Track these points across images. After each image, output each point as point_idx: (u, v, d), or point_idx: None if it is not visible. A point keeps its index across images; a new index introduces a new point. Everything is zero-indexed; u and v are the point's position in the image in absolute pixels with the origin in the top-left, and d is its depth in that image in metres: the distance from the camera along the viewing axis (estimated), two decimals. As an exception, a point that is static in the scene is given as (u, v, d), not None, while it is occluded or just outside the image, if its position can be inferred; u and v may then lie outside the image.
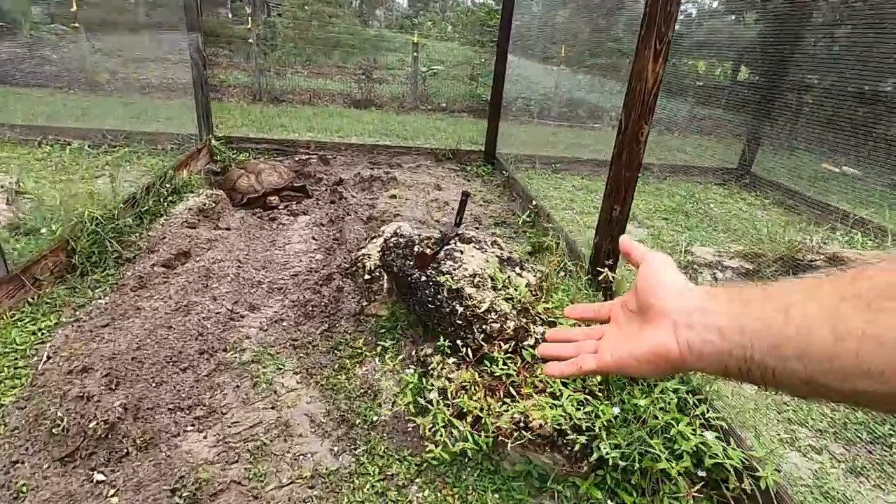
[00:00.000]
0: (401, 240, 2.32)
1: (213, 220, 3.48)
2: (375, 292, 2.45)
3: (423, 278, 2.05)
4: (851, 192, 4.74)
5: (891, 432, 2.04)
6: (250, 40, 10.05)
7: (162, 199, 3.54)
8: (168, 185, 3.67)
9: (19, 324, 2.20)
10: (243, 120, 7.28)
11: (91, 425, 1.62)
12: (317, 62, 14.23)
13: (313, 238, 3.26)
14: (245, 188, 4.06)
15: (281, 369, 2.11)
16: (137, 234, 3.03)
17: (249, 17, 11.23)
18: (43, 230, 2.60)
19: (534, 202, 3.85)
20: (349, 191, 4.23)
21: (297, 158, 5.08)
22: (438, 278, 1.99)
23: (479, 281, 1.98)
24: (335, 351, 2.23)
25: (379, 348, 2.24)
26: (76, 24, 8.99)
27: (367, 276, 2.48)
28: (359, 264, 2.57)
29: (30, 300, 2.33)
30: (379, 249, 2.60)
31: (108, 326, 2.22)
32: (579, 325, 0.71)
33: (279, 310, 2.46)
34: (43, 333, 2.16)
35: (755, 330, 0.43)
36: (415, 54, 10.10)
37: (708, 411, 1.67)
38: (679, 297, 0.51)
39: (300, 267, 2.88)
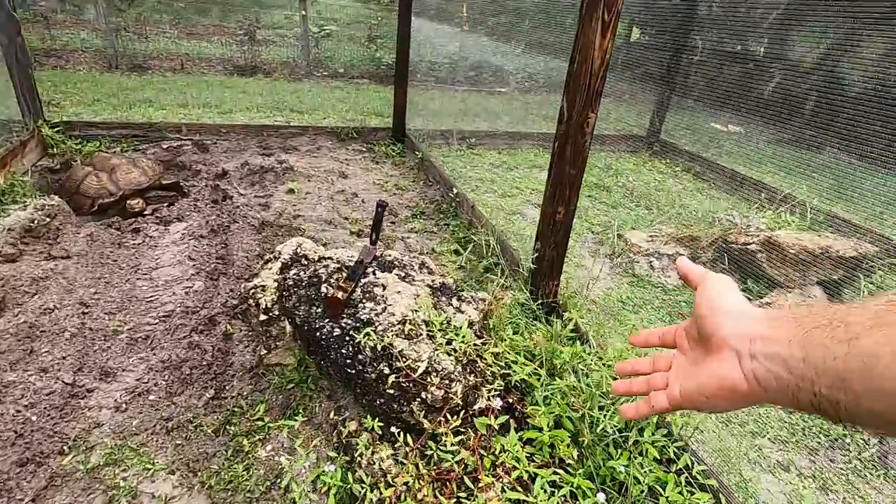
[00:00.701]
0: (301, 273, 1.79)
1: (47, 243, 2.64)
2: (276, 337, 1.92)
3: (337, 331, 1.56)
4: (739, 150, 4.95)
5: (844, 433, 1.97)
6: (98, -6, 8.28)
7: None
8: (-26, 198, 2.74)
9: None
10: (95, 94, 5.97)
11: None
12: (188, 20, 12.35)
13: (189, 258, 2.58)
14: (95, 191, 3.19)
15: (149, 469, 1.54)
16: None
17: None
18: None
19: (454, 190, 3.44)
20: (235, 186, 3.51)
21: (165, 146, 4.17)
22: (358, 333, 1.51)
23: (411, 329, 1.54)
24: (227, 428, 1.69)
25: (288, 414, 1.74)
26: None
27: (262, 317, 1.93)
28: (251, 301, 2.00)
29: None
30: (276, 279, 2.05)
31: None
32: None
33: (143, 375, 1.84)
34: None
35: (818, 361, 0.40)
36: (303, 12, 8.98)
37: (692, 464, 1.42)
38: (739, 323, 0.49)
39: (172, 304, 2.23)
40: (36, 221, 2.77)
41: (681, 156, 5.32)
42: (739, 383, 0.47)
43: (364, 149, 4.66)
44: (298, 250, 2.17)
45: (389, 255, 1.94)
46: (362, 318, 1.57)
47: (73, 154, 3.81)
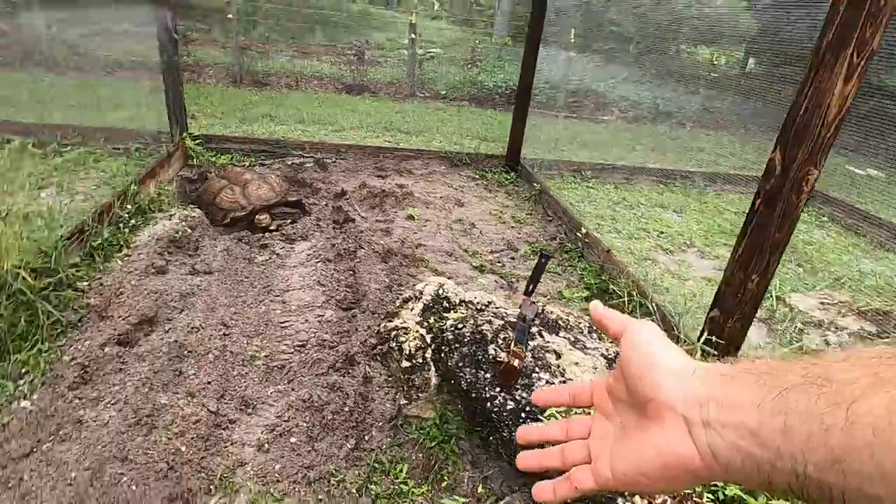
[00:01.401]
0: (462, 328, 1.64)
1: (189, 255, 2.73)
2: (418, 387, 1.77)
3: (511, 405, 1.38)
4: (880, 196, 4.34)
5: None
6: (229, 15, 9.02)
7: (122, 226, 2.78)
8: (129, 206, 2.90)
9: None
10: (223, 108, 6.41)
11: None
12: (302, 40, 13.19)
13: (319, 283, 2.55)
14: (229, 205, 3.30)
15: (292, 527, 1.43)
16: (86, 283, 2.27)
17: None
18: (-59, 296, 1.84)
19: (583, 230, 3.19)
20: (356, 208, 3.51)
21: (289, 162, 4.30)
22: (539, 411, 1.32)
23: (597, 412, 1.32)
24: (369, 487, 1.55)
25: (430, 478, 1.58)
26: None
27: (405, 363, 1.80)
28: (392, 343, 1.88)
29: (-84, 408, 1.59)
30: (418, 319, 1.92)
31: (31, 455, 1.50)
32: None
33: (283, 412, 1.77)
34: (-72, 474, 1.44)
35: (804, 434, 0.31)
36: (412, 36, 9.22)
37: None
38: (683, 382, 0.40)
39: (306, 333, 2.17)
40: (180, 233, 2.88)
41: (829, 204, 4.70)
42: (691, 460, 0.38)
43: (476, 175, 4.55)
44: (440, 291, 2.03)
45: (552, 314, 1.74)
46: (539, 389, 1.38)
47: (209, 166, 4.02)
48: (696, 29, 6.36)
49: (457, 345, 1.61)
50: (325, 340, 2.10)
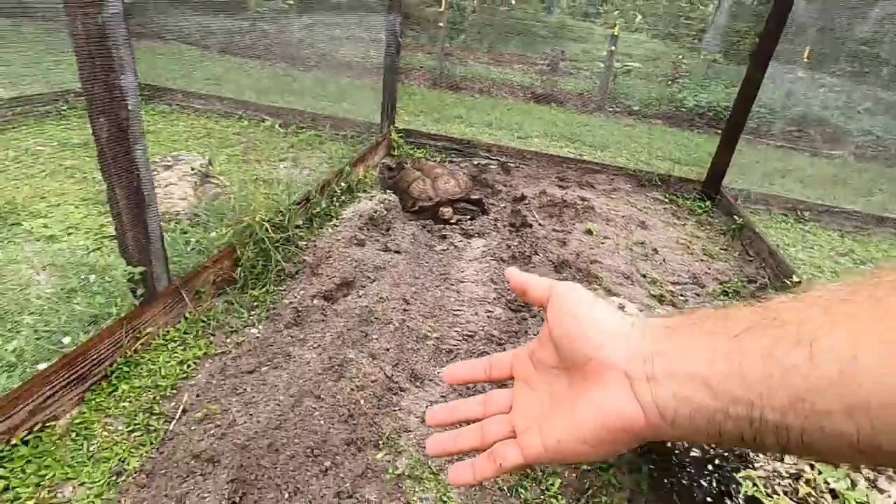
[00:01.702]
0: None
1: (382, 233, 3.05)
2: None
3: (697, 452, 1.24)
4: None
5: None
6: (440, 24, 9.82)
7: (335, 199, 3.23)
8: (342, 184, 3.36)
9: (170, 346, 1.93)
10: (422, 106, 7.01)
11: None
12: (498, 49, 13.73)
13: (492, 280, 2.63)
14: (418, 194, 3.60)
15: (444, 503, 1.50)
16: (305, 243, 2.70)
17: (442, 1, 11.05)
18: (213, 233, 2.36)
19: (794, 278, 2.73)
20: (534, 214, 3.52)
21: (475, 162, 4.52)
22: (734, 471, 1.16)
23: None
24: (518, 490, 1.55)
25: (581, 501, 1.52)
26: (291, 2, 9.65)
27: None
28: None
29: (186, 316, 2.07)
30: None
31: (252, 374, 1.84)
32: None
33: (447, 394, 1.87)
34: (189, 367, 1.85)
35: (763, 377, 0.29)
36: (612, 48, 8.91)
37: None
38: (623, 338, 0.38)
39: (475, 324, 2.26)
40: (377, 212, 3.24)
41: None
42: (635, 418, 0.35)
43: (665, 199, 4.21)
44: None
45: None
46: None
47: (406, 157, 4.44)
48: None
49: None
50: (493, 336, 2.15)
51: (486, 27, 14.01)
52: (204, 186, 3.00)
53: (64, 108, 4.31)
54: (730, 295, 2.90)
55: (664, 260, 3.18)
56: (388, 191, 3.78)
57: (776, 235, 3.76)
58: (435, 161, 4.31)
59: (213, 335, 2.03)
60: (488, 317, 2.32)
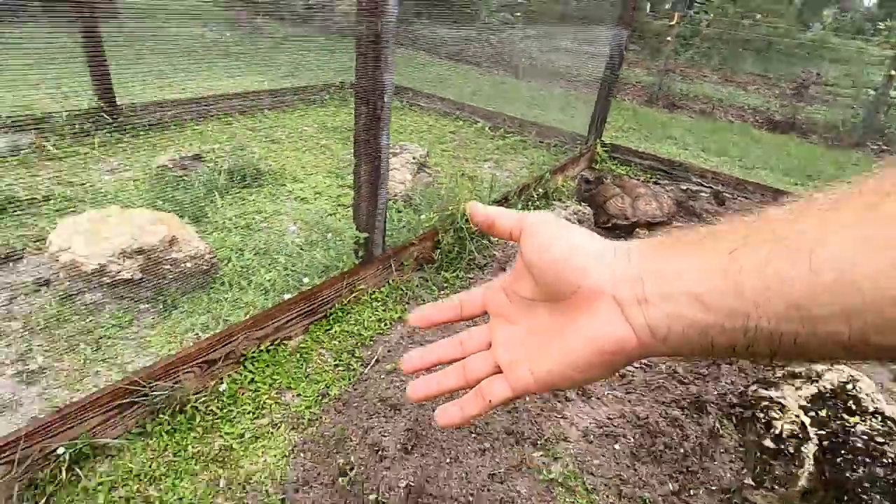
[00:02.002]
0: (883, 444, 1.25)
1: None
2: (777, 478, 1.47)
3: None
4: None
5: None
6: (668, 38, 9.21)
7: (530, 204, 3.32)
8: (540, 190, 3.43)
9: (373, 305, 2.25)
10: (632, 123, 6.70)
11: (370, 497, 1.36)
12: (730, 66, 12.27)
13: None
14: (615, 212, 3.48)
15: (594, 523, 1.46)
16: (496, 239, 2.85)
17: (675, 14, 10.31)
18: (423, 216, 2.66)
19: None
20: (746, 254, 3.10)
21: (683, 187, 4.15)
22: None
23: None
24: (678, 541, 1.42)
25: (755, 583, 1.31)
26: (519, 14, 10.14)
27: (769, 443, 1.51)
28: (759, 412, 1.62)
29: (389, 282, 2.38)
30: (804, 405, 1.57)
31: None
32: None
33: (616, 416, 1.79)
34: (385, 325, 2.14)
35: (760, 289, 0.30)
36: (892, 72, 7.20)
37: None
38: (608, 263, 0.37)
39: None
40: (570, 222, 3.23)
41: None
42: (626, 339, 0.35)
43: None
44: (849, 387, 1.59)
45: None
46: None
47: (607, 172, 4.31)
48: None
49: (868, 460, 1.24)
50: (675, 372, 1.98)
51: (719, 42, 12.65)
52: (419, 174, 3.39)
53: (326, 97, 5.29)
54: None
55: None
56: (583, 203, 3.73)
57: None
58: (638, 180, 4.09)
59: (407, 304, 2.30)
60: (673, 351, 2.14)
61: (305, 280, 2.20)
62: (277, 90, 4.96)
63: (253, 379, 1.77)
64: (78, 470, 1.40)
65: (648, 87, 9.23)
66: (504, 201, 3.07)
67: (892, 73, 7.20)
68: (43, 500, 1.32)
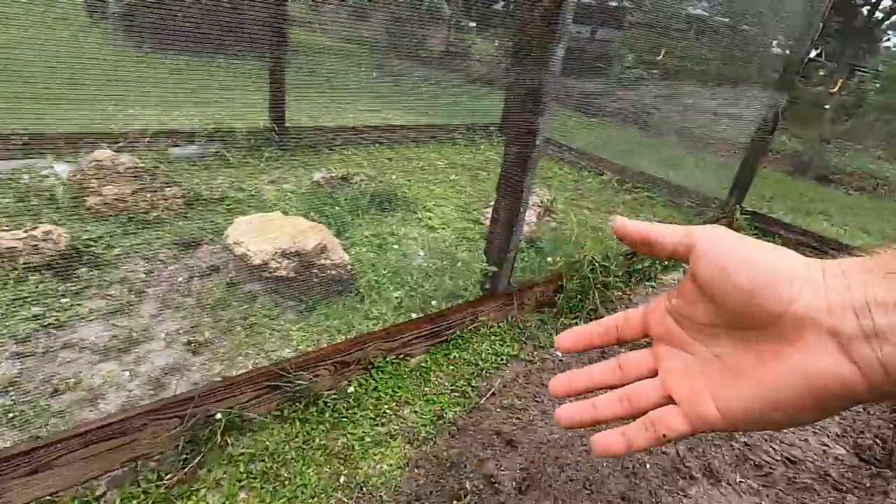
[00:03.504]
0: None
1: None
2: None
3: None
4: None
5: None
6: (826, 106, 8.43)
7: (657, 262, 3.17)
8: (671, 250, 3.27)
9: (492, 338, 2.27)
10: (776, 192, 6.15)
11: (482, 528, 1.36)
12: (902, 143, 10.80)
13: (840, 414, 2.11)
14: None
15: None
16: (620, 293, 2.75)
17: (838, 81, 9.44)
18: (549, 258, 2.66)
19: None
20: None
21: (839, 268, 3.69)
22: None
23: None
24: None
25: None
26: (655, 72, 9.98)
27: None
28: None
29: (509, 318, 2.40)
30: None
31: (542, 388, 1.99)
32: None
33: (749, 509, 1.60)
34: (502, 360, 2.15)
35: None
36: None
37: None
38: (817, 287, 0.32)
39: (803, 451, 1.85)
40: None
41: None
42: (852, 381, 0.30)
43: None
44: None
45: None
46: None
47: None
48: None
49: None
50: (828, 475, 1.73)
51: (888, 113, 11.25)
52: (545, 218, 3.42)
53: (457, 137, 5.60)
54: None
55: None
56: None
57: None
58: (783, 254, 3.73)
59: (525, 343, 2.29)
60: (823, 452, 1.87)
61: (434, 303, 2.30)
62: (414, 126, 5.36)
63: (376, 387, 1.87)
64: (227, 437, 1.57)
65: (796, 157, 8.45)
66: (632, 255, 2.97)
67: None
68: (198, 458, 1.50)
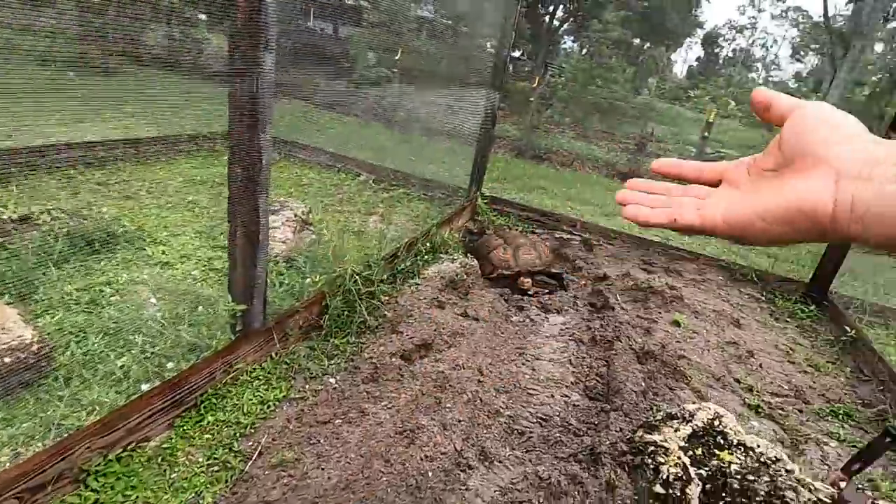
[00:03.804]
0: (754, 481, 1.37)
1: (461, 297, 3.06)
2: (669, 523, 1.54)
3: None
4: None
5: None
6: (531, 98, 10.24)
7: (419, 258, 3.32)
8: (428, 244, 3.45)
9: (254, 384, 2.00)
10: (505, 174, 7.18)
11: None
12: (584, 125, 13.97)
13: (570, 362, 2.53)
14: (499, 262, 3.61)
15: None
16: (387, 298, 2.77)
17: (537, 77, 11.59)
18: (308, 279, 2.49)
19: (924, 409, 2.37)
20: (616, 297, 3.40)
21: (557, 235, 4.50)
22: None
23: None
24: None
25: None
26: (395, 70, 10.55)
27: (658, 488, 1.60)
28: (647, 459, 1.71)
29: (273, 356, 2.16)
30: (683, 445, 1.69)
31: (327, 425, 1.85)
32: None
33: (519, 481, 1.76)
34: (269, 407, 1.91)
35: None
36: (705, 135, 8.78)
37: None
38: (853, 144, 0.38)
39: (551, 408, 2.16)
40: (458, 276, 3.28)
41: None
42: (822, 203, 0.38)
43: (761, 297, 3.92)
44: (717, 423, 1.76)
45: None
46: None
47: (488, 223, 4.52)
48: None
49: (744, 500, 1.35)
50: (570, 424, 2.04)
51: (573, 103, 14.39)
52: (302, 233, 3.21)
53: (194, 148, 4.88)
54: (839, 417, 2.57)
55: (761, 365, 2.90)
56: (468, 255, 3.84)
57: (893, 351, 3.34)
58: (517, 230, 4.34)
59: (294, 378, 2.09)
60: (565, 402, 2.21)
61: (170, 365, 1.89)
62: (133, 139, 4.45)
63: (98, 500, 1.43)
64: None
65: (517, 141, 10.07)
66: (393, 258, 3.02)
67: (706, 135, 8.76)
68: None
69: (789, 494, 1.31)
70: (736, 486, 1.39)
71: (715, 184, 0.50)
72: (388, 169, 5.30)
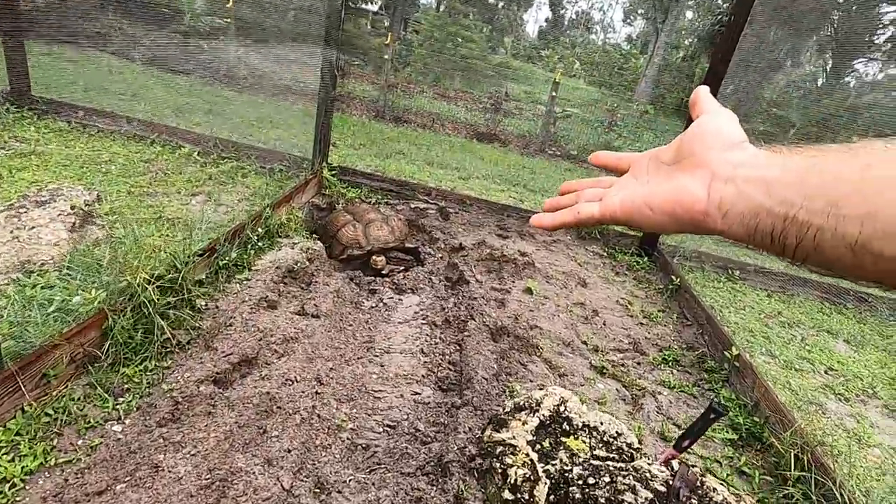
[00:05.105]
0: (595, 484, 1.29)
1: (302, 288, 2.69)
2: (518, 530, 1.43)
3: None
4: None
5: None
6: (385, 56, 9.71)
7: (249, 247, 2.84)
8: (260, 230, 2.97)
9: (-9, 456, 1.46)
10: (362, 139, 6.73)
11: None
12: (444, 85, 13.84)
13: (422, 351, 2.34)
14: (348, 241, 3.28)
15: None
16: (205, 302, 2.29)
17: (388, 32, 11.00)
18: (76, 298, 1.91)
19: (733, 350, 2.65)
20: (471, 268, 3.30)
21: (412, 206, 4.27)
22: None
23: None
24: None
25: None
26: (229, 19, 9.20)
27: (508, 495, 1.47)
28: (496, 462, 1.58)
29: (25, 408, 1.61)
30: (531, 439, 1.60)
31: (102, 497, 1.41)
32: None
33: (358, 512, 1.53)
34: (12, 489, 1.40)
35: (819, 184, 0.37)
36: (553, 94, 9.15)
37: None
38: (730, 149, 0.46)
39: (400, 411, 1.95)
40: (299, 264, 2.88)
41: None
42: (698, 201, 0.45)
43: (604, 253, 4.15)
44: (562, 409, 1.70)
45: (716, 492, 1.32)
46: None
47: (338, 197, 4.12)
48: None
49: (588, 490, 1.27)
50: (418, 430, 1.85)
51: (431, 61, 14.12)
52: (84, 229, 2.53)
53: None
54: (670, 363, 2.78)
55: (605, 323, 3.03)
56: (314, 236, 3.43)
57: (710, 296, 3.77)
58: (369, 203, 4.02)
59: (59, 435, 1.58)
60: (415, 401, 2.02)
61: None
62: None
63: None
64: None
65: (375, 102, 9.56)
66: (211, 252, 2.51)
67: (553, 94, 9.13)
68: None
69: (628, 497, 1.26)
70: (577, 494, 1.30)
71: (625, 171, 0.55)
72: (219, 138, 4.54)
